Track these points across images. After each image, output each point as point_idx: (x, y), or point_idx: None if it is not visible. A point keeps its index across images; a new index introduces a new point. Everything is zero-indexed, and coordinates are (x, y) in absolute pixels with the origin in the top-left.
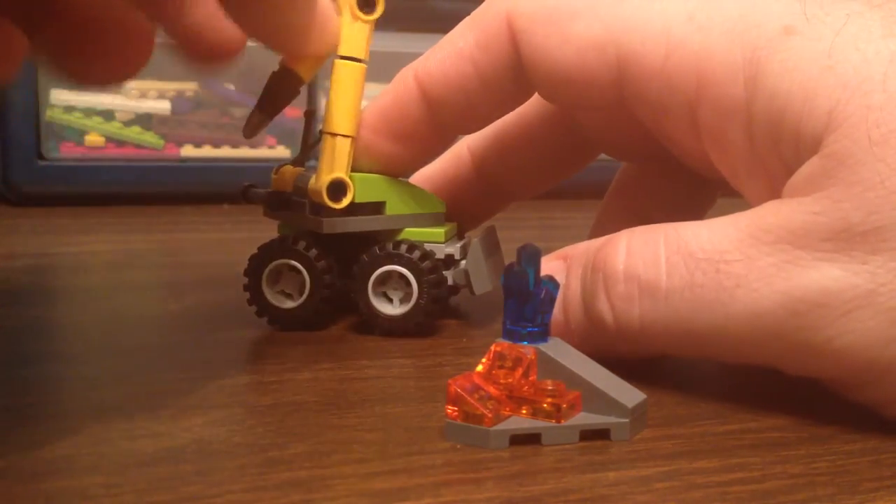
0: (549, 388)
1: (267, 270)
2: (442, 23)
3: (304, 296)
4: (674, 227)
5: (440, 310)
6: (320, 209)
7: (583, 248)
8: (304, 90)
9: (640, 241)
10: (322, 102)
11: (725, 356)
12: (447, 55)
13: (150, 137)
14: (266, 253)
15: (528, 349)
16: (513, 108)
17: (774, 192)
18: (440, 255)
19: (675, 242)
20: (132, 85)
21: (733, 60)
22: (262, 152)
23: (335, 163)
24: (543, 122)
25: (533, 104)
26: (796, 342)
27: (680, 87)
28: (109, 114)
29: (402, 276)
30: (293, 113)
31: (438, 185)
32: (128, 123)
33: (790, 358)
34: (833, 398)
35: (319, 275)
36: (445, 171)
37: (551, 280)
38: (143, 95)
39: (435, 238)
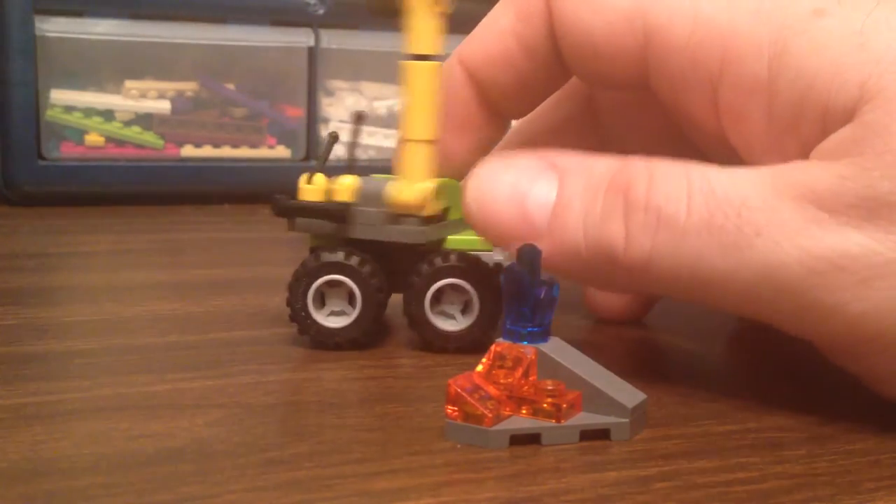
0: (549, 388)
1: (314, 287)
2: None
3: (356, 314)
4: (698, 165)
5: (494, 323)
6: (400, 219)
7: (578, 161)
8: (303, 89)
9: (663, 172)
10: (322, 102)
11: (728, 305)
12: (489, 34)
13: (150, 137)
14: (313, 268)
15: (528, 349)
16: (561, 84)
17: None
18: (490, 264)
19: (699, 179)
20: (132, 85)
21: (759, 39)
22: (262, 152)
23: (421, 170)
24: (568, 125)
25: (557, 105)
26: (808, 301)
27: (703, 63)
28: (109, 114)
29: (459, 288)
30: (294, 112)
31: None
32: (128, 123)
33: (797, 317)
34: (833, 398)
35: (373, 292)
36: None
37: (551, 279)
38: (143, 95)
39: (484, 246)
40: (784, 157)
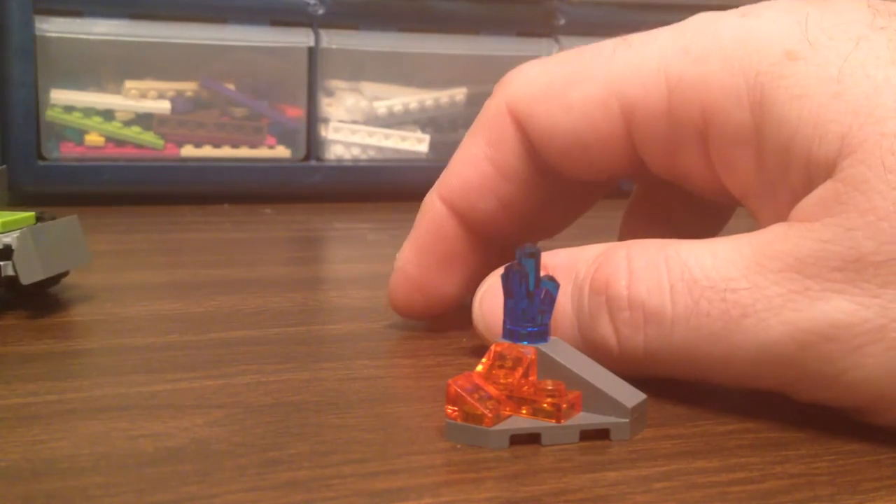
0: (549, 388)
1: None
2: (442, 23)
3: None
4: (675, 249)
5: None
6: None
7: (566, 260)
8: (303, 89)
9: (641, 263)
10: (322, 102)
11: (732, 383)
12: (464, 165)
13: (150, 137)
14: None
15: (528, 349)
16: (544, 198)
17: (782, 217)
18: None
19: (678, 267)
20: (132, 85)
21: (736, 86)
22: (262, 152)
23: None
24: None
25: None
26: (805, 373)
27: (687, 121)
28: (109, 114)
29: None
30: (294, 113)
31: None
32: (128, 123)
33: (799, 387)
34: None
35: None
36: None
37: (551, 280)
38: (143, 95)
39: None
40: (777, 202)
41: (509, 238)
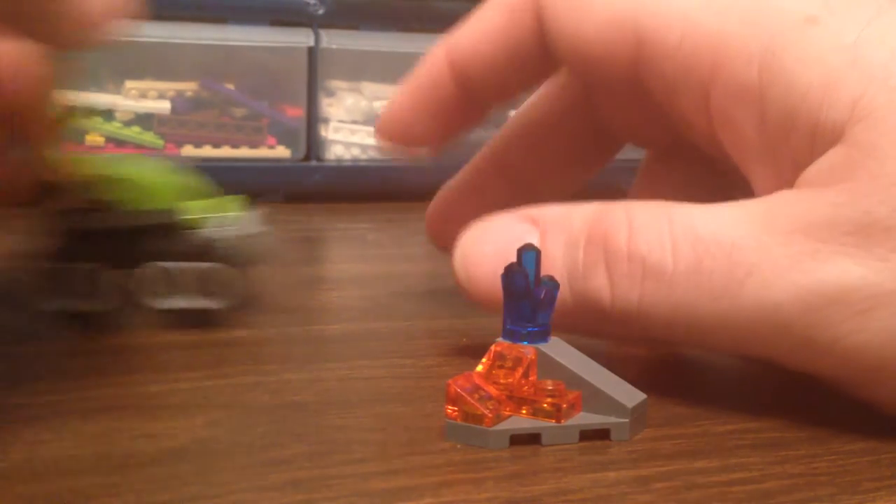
0: (549, 388)
1: (53, 273)
2: (442, 23)
3: (95, 298)
4: (680, 207)
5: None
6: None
7: (558, 214)
8: (303, 89)
9: (643, 218)
10: (322, 102)
11: (724, 347)
12: (476, 30)
13: (150, 137)
14: (58, 254)
15: (528, 349)
16: (542, 80)
17: (780, 182)
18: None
19: (681, 225)
20: (132, 85)
21: (749, 46)
22: (262, 152)
23: None
24: (566, 112)
25: (553, 94)
26: (806, 338)
27: (694, 69)
28: (109, 114)
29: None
30: (294, 112)
31: (461, 193)
32: (128, 123)
33: (795, 353)
34: (833, 398)
35: (106, 277)
36: (467, 180)
37: (551, 279)
38: (143, 95)
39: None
40: (776, 166)
41: (500, 104)
